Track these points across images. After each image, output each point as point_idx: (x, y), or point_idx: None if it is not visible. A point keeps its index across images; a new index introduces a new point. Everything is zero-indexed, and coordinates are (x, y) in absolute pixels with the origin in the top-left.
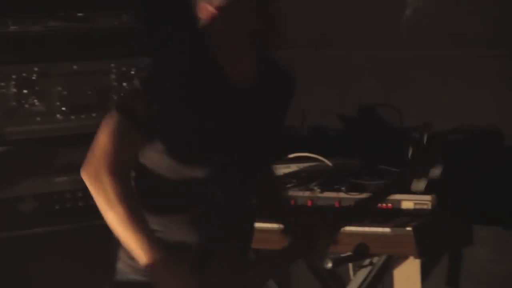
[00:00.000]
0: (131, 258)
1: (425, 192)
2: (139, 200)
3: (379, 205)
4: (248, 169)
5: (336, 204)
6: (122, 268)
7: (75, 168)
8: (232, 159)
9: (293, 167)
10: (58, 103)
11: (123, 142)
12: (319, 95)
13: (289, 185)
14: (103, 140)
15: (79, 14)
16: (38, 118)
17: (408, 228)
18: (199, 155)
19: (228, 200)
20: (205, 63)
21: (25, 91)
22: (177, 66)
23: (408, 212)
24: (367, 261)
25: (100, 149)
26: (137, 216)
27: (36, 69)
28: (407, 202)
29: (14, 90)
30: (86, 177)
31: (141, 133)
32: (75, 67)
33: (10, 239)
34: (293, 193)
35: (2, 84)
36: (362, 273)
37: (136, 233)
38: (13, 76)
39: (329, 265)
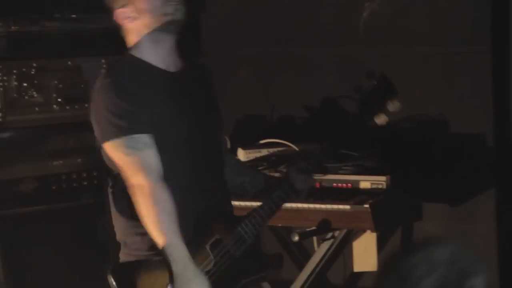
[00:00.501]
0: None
1: (380, 172)
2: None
3: (340, 185)
4: (209, 146)
5: None
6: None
7: (70, 152)
8: (192, 137)
9: (264, 152)
10: (54, 95)
11: (142, 153)
12: (287, 88)
13: (260, 168)
14: (128, 160)
15: (73, 16)
16: (37, 108)
17: (366, 205)
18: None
19: (204, 178)
20: (139, 66)
21: (25, 84)
22: (119, 78)
23: (365, 191)
24: (329, 235)
25: (132, 168)
26: (170, 215)
27: (34, 64)
28: (365, 183)
29: (15, 83)
30: (134, 195)
31: (144, 133)
32: (69, 63)
33: (12, 216)
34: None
35: (5, 78)
36: (325, 245)
37: (164, 233)
38: (14, 71)
39: (296, 238)
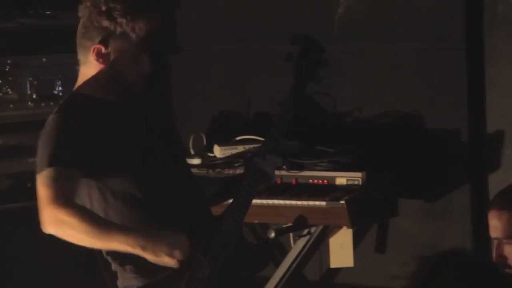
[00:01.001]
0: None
1: (356, 168)
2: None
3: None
4: (173, 162)
5: (278, 181)
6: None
7: None
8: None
9: (240, 148)
10: (29, 92)
11: (60, 184)
12: (262, 84)
13: (236, 164)
14: (43, 192)
15: (47, 12)
16: (12, 105)
17: (341, 202)
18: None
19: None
20: (89, 102)
21: None
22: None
23: (341, 187)
24: (305, 231)
25: (45, 200)
26: (101, 221)
27: (9, 61)
28: (340, 179)
29: None
30: (49, 229)
31: (72, 168)
32: (44, 59)
33: None
34: (240, 171)
35: None
36: (302, 242)
37: (111, 233)
38: None
39: (272, 235)
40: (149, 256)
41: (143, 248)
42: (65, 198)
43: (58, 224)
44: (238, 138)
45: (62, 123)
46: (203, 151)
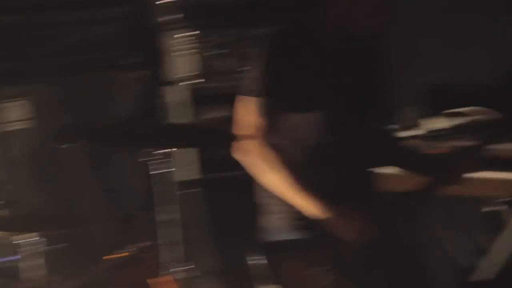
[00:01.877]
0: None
1: None
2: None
3: None
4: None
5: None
6: (268, 229)
7: None
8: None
9: (465, 119)
10: None
11: (271, 121)
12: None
13: (457, 137)
14: (244, 119)
15: None
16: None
17: None
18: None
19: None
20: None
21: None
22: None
23: None
24: None
25: (244, 127)
26: (292, 178)
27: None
28: None
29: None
30: (237, 156)
31: (272, 101)
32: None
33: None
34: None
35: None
36: None
37: (298, 193)
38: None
39: (499, 208)
40: (326, 226)
41: (326, 219)
42: (264, 136)
43: (246, 158)
44: (463, 109)
45: (277, 52)
46: (417, 122)
